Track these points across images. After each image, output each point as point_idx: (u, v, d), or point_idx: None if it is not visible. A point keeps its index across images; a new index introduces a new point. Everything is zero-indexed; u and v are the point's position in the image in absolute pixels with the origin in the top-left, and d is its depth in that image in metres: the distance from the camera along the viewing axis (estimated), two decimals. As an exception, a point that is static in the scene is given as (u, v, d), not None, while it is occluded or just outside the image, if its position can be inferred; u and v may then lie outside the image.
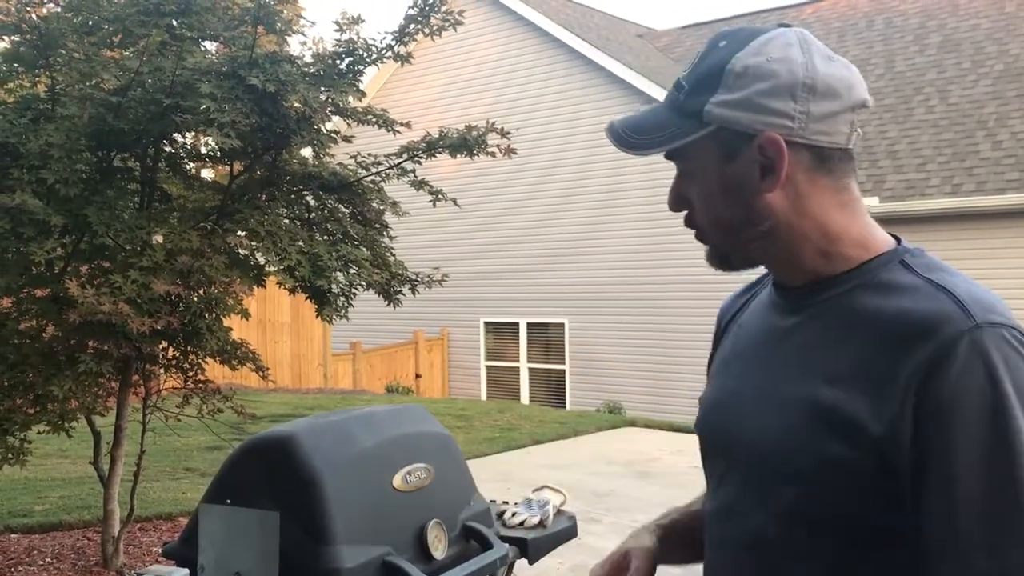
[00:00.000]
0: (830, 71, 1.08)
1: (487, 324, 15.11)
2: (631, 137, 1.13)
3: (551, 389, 14.40)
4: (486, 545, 2.00)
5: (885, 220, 11.13)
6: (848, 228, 1.10)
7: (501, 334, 15.03)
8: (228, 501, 1.74)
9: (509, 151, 4.31)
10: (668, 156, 1.14)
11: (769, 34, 1.09)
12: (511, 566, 2.36)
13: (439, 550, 1.88)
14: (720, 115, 1.07)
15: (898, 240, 1.13)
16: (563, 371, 14.18)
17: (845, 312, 1.07)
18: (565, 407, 13.56)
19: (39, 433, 4.40)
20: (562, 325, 14.15)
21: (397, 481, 1.87)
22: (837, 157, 1.09)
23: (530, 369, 14.66)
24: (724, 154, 1.09)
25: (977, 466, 0.93)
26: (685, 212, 1.15)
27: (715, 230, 1.13)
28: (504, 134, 4.36)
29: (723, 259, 1.16)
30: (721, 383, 1.24)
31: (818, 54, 1.08)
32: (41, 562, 4.71)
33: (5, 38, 4.16)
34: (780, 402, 1.08)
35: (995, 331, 0.96)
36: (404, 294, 4.71)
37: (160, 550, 4.97)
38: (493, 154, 4.37)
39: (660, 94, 12.65)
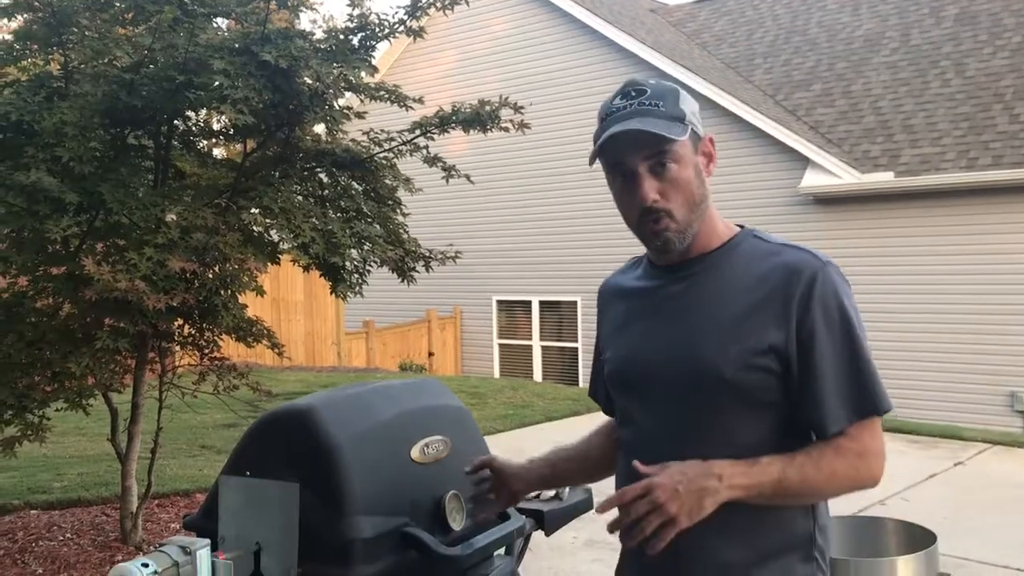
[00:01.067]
0: None
1: (499, 302, 15.12)
2: (654, 131, 1.52)
3: (564, 367, 14.42)
4: (503, 516, 2.01)
5: (900, 195, 11.08)
6: (716, 213, 1.65)
7: (513, 312, 15.04)
8: (247, 473, 1.75)
9: (522, 126, 4.29)
10: (660, 152, 1.54)
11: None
12: (528, 538, 2.37)
13: (457, 521, 1.88)
14: (692, 120, 1.58)
15: (741, 226, 1.67)
16: (575, 349, 14.19)
17: (729, 272, 1.59)
18: (578, 384, 13.57)
19: (57, 410, 4.44)
20: (575, 303, 14.15)
21: (415, 453, 1.88)
22: None
23: (543, 347, 14.67)
24: (693, 148, 1.59)
25: (837, 341, 1.53)
26: (654, 202, 1.55)
27: (685, 209, 1.57)
28: (517, 108, 4.34)
29: (682, 235, 1.58)
30: (627, 342, 1.69)
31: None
32: (61, 537, 4.77)
33: (18, 16, 4.15)
34: (701, 338, 1.56)
35: (832, 267, 1.56)
36: (418, 271, 4.71)
37: (178, 526, 5.03)
38: (507, 129, 4.35)
39: (672, 68, 12.57)
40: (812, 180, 11.61)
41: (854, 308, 1.56)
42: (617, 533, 1.50)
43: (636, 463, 1.47)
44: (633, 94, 1.58)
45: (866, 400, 1.54)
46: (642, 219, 1.57)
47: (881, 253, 11.09)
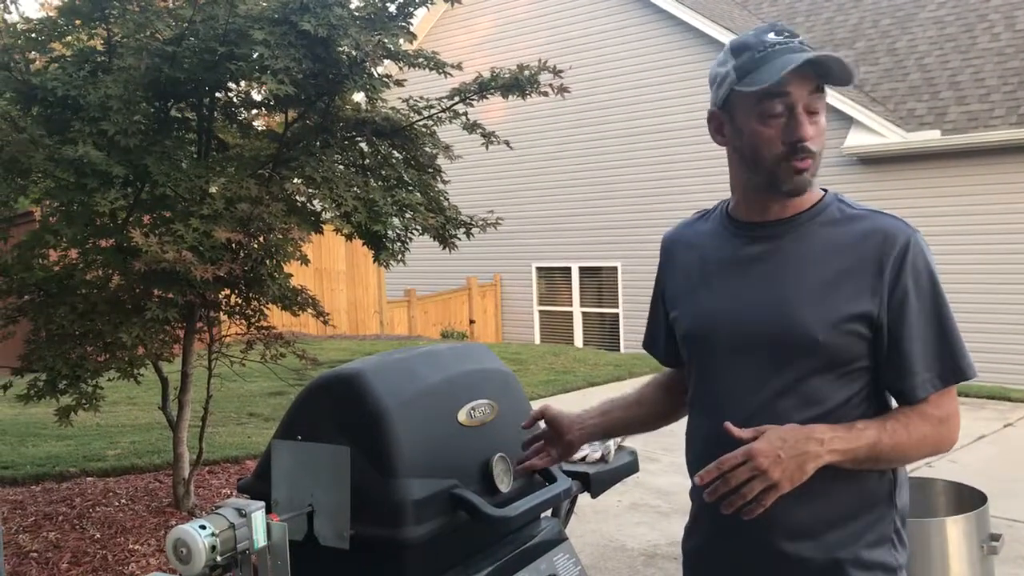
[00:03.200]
0: None
1: (539, 269, 15.12)
2: (853, 73, 1.54)
3: (605, 332, 14.41)
4: (550, 479, 2.02)
5: (946, 154, 10.85)
6: None
7: (553, 279, 15.03)
8: (299, 437, 1.78)
9: (562, 90, 4.26)
10: (820, 97, 1.56)
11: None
12: (574, 500, 2.39)
13: (504, 483, 1.91)
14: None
15: (824, 190, 1.65)
16: (616, 314, 14.17)
17: (816, 236, 1.59)
18: (619, 350, 13.56)
19: (109, 380, 4.54)
20: (615, 268, 14.10)
21: (462, 416, 1.90)
22: None
23: (583, 313, 14.67)
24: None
25: (927, 309, 1.55)
26: (810, 143, 1.54)
27: (820, 156, 1.58)
28: (557, 72, 4.30)
29: (812, 180, 1.58)
30: (708, 300, 1.68)
31: None
32: (117, 503, 4.90)
33: (61, -8, 4.19)
34: (792, 300, 1.56)
35: (919, 235, 1.58)
36: (459, 238, 4.72)
37: (228, 492, 5.14)
38: (546, 93, 4.33)
39: (713, 29, 12.39)
40: (856, 140, 11.41)
41: (939, 276, 1.58)
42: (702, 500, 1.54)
43: (730, 426, 1.46)
44: (787, 34, 1.57)
45: (954, 368, 1.55)
46: (790, 154, 1.54)
47: (928, 213, 10.89)
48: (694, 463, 1.66)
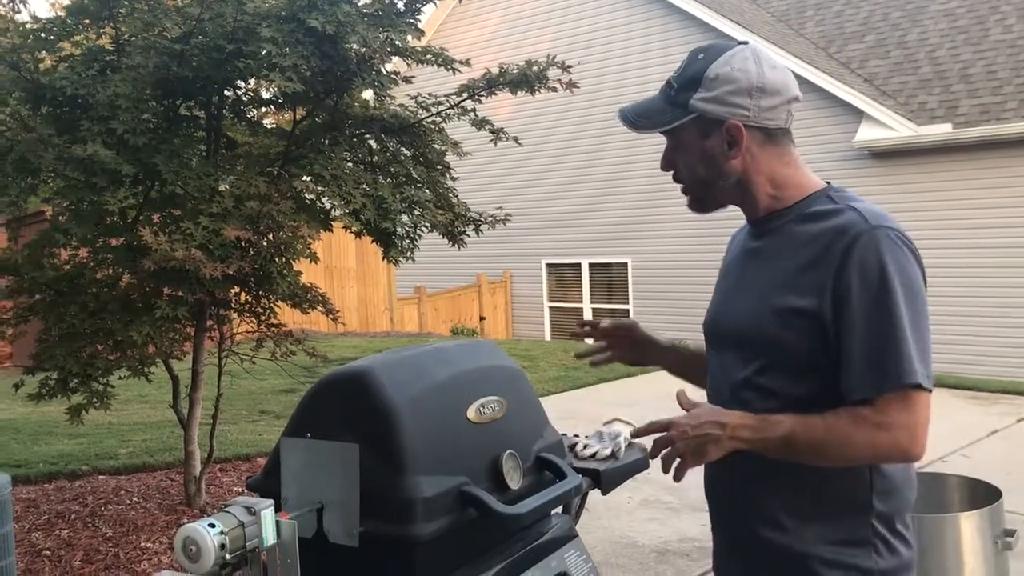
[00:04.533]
0: (774, 76, 1.64)
1: (549, 266, 15.10)
2: (638, 121, 1.69)
3: (615, 329, 14.36)
4: (560, 475, 2.01)
5: (958, 147, 10.78)
6: (789, 177, 1.66)
7: (563, 275, 15.01)
8: (308, 434, 1.78)
9: (571, 85, 4.25)
10: (663, 133, 1.68)
11: (733, 50, 1.63)
12: (584, 497, 2.38)
13: (514, 480, 1.89)
14: (700, 107, 1.62)
15: (828, 183, 1.68)
16: (627, 311, 14.14)
17: (792, 233, 1.62)
18: (630, 346, 13.53)
19: (120, 378, 4.55)
20: (625, 265, 14.08)
21: (471, 413, 1.89)
22: (780, 133, 1.66)
23: (593, 309, 14.64)
24: (701, 134, 1.64)
25: (872, 306, 1.49)
26: (672, 172, 1.71)
27: (695, 185, 1.70)
28: (565, 68, 4.29)
29: (699, 203, 1.73)
30: (715, 296, 1.81)
31: (767, 64, 1.64)
32: (129, 501, 4.91)
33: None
34: (757, 296, 1.63)
35: (883, 231, 1.52)
36: (468, 235, 4.72)
37: (240, 489, 5.14)
38: (555, 89, 4.31)
39: (722, 23, 12.34)
40: (867, 134, 11.35)
41: (901, 274, 1.50)
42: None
43: (678, 393, 1.59)
44: (675, 70, 1.70)
45: (893, 373, 1.47)
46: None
47: (939, 207, 10.83)
48: None
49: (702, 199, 1.70)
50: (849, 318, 1.50)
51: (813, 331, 1.53)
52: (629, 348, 2.13)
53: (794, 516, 1.59)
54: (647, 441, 1.64)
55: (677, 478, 1.57)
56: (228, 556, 1.50)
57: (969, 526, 2.61)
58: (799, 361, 1.56)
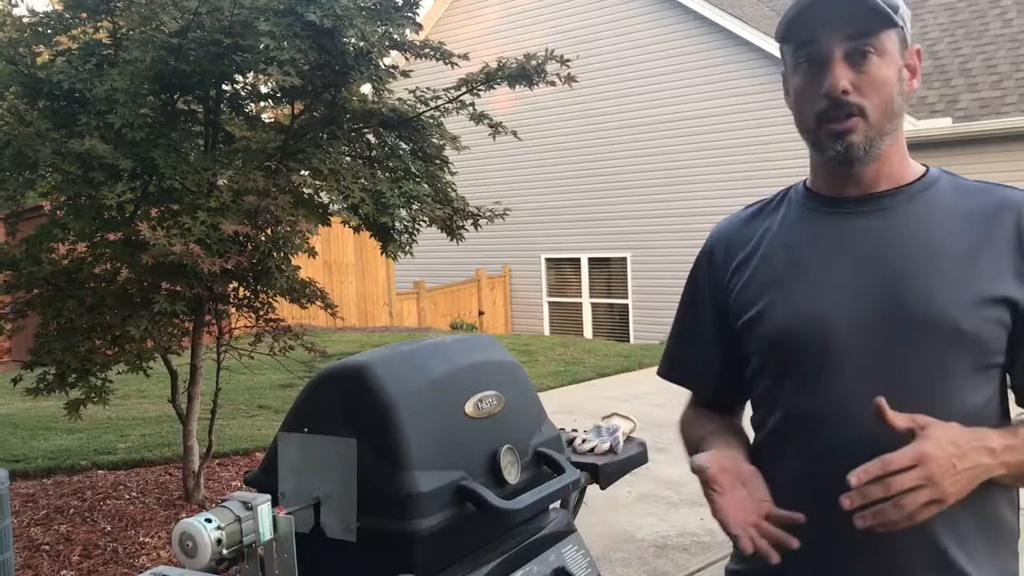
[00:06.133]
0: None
1: (548, 260, 15.10)
2: (881, 6, 1.27)
3: (614, 323, 14.38)
4: (558, 470, 2.01)
5: (958, 141, 10.77)
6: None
7: (562, 270, 15.01)
8: (305, 429, 1.77)
9: (569, 79, 4.24)
10: (864, 36, 1.28)
11: None
12: (583, 491, 2.37)
13: (512, 475, 1.89)
14: (905, 19, 1.31)
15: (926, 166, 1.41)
16: (626, 305, 14.14)
17: (934, 208, 1.33)
18: (629, 341, 13.55)
19: (119, 373, 4.54)
20: (624, 259, 14.07)
21: (469, 408, 1.88)
22: None
23: (592, 304, 14.64)
24: (901, 49, 1.32)
25: None
26: (846, 94, 1.28)
27: (880, 113, 1.30)
28: (564, 62, 4.28)
29: (868, 146, 1.30)
30: (805, 291, 1.35)
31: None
32: (127, 496, 4.91)
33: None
34: (923, 282, 1.28)
35: None
36: (467, 229, 4.71)
37: (239, 484, 5.14)
38: (553, 83, 4.31)
39: (723, 19, 12.31)
40: (866, 128, 11.34)
41: None
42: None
43: (882, 402, 1.16)
44: None
45: None
46: (825, 115, 1.30)
47: (938, 202, 10.83)
48: (788, 490, 1.29)
49: (875, 137, 1.31)
50: None
51: (1007, 324, 1.27)
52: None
53: (969, 554, 1.29)
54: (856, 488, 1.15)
55: (895, 527, 1.14)
56: (225, 551, 1.50)
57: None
58: (987, 360, 1.29)
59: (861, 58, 1.28)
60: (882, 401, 1.17)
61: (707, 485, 1.28)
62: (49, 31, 4.25)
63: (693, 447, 1.49)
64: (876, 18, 1.27)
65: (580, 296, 14.79)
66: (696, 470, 1.31)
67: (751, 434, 1.49)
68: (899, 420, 1.16)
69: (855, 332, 1.30)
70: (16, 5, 4.29)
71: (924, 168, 1.39)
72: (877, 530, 1.14)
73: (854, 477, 1.13)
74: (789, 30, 1.32)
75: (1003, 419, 1.32)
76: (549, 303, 15.22)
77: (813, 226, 1.39)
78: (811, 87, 1.31)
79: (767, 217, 1.47)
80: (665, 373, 1.64)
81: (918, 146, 11.08)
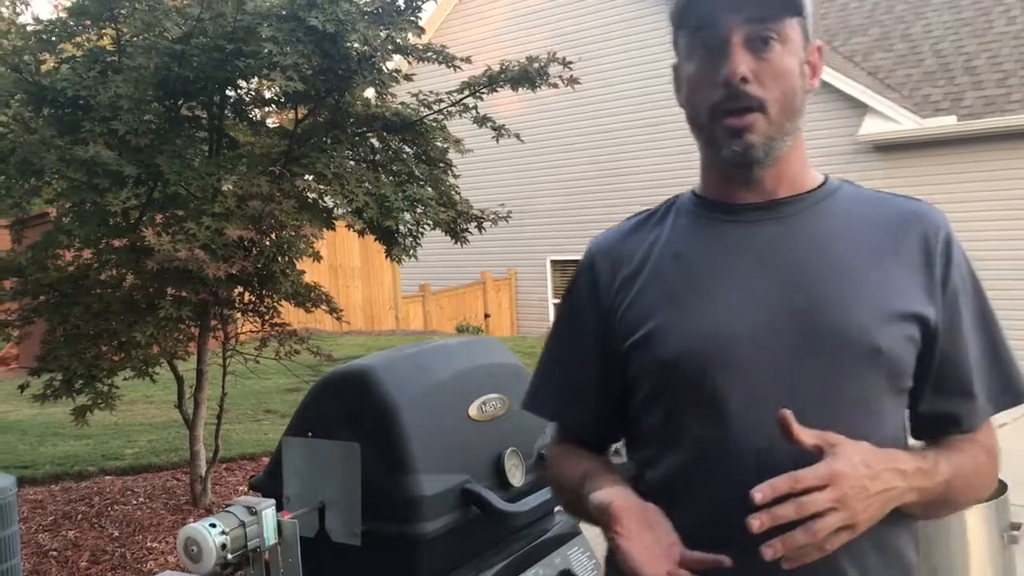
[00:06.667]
0: None
1: (554, 263, 15.09)
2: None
3: (620, 325, 14.36)
4: (563, 473, 2.01)
5: (963, 140, 10.74)
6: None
7: (568, 272, 15.00)
8: (310, 434, 1.78)
9: (572, 81, 4.24)
10: (767, 20, 1.15)
11: None
12: (588, 494, 2.37)
13: (516, 477, 1.89)
14: (808, 9, 1.19)
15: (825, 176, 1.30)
16: (632, 306, 14.12)
17: (838, 217, 1.22)
18: (635, 342, 13.52)
19: (125, 379, 4.55)
20: (630, 260, 14.06)
21: (473, 411, 1.89)
22: None
23: (599, 305, 14.62)
24: (803, 41, 1.20)
25: (978, 315, 1.23)
26: (745, 84, 1.14)
27: (781, 109, 1.17)
28: (566, 64, 4.28)
29: (767, 146, 1.17)
30: (701, 307, 1.20)
31: None
32: (135, 501, 4.92)
33: (70, -8, 4.20)
34: (833, 296, 1.16)
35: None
36: (471, 232, 4.71)
37: (246, 488, 5.15)
38: (555, 85, 4.31)
39: (724, 19, 12.29)
40: (871, 127, 11.31)
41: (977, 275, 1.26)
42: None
43: (787, 415, 1.05)
44: None
45: (1011, 389, 1.24)
46: (720, 107, 1.16)
47: (945, 200, 10.77)
48: (692, 536, 1.12)
49: (775, 136, 1.18)
50: (965, 329, 1.21)
51: (917, 343, 1.17)
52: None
53: None
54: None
55: (806, 560, 1.03)
56: (230, 556, 1.50)
57: (975, 519, 2.59)
58: (900, 379, 1.18)
59: (763, 44, 1.15)
60: (787, 413, 1.05)
61: (610, 528, 1.13)
62: (54, 38, 4.27)
63: (572, 487, 1.29)
64: (780, 2, 1.15)
65: (586, 298, 14.78)
66: (598, 509, 1.16)
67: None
68: (806, 436, 1.05)
69: (761, 351, 1.15)
70: (20, 13, 4.31)
71: (823, 176, 1.28)
72: (786, 565, 1.02)
73: (759, 493, 1.00)
74: (684, 13, 1.19)
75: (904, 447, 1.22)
76: (555, 305, 15.21)
77: (706, 234, 1.25)
78: (706, 75, 1.17)
79: (653, 228, 1.31)
80: (528, 404, 1.41)
81: (923, 145, 11.06)
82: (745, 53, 1.14)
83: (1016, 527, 2.65)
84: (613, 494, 1.17)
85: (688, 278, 1.23)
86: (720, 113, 1.16)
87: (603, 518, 1.16)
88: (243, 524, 1.52)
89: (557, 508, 2.11)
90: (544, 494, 1.91)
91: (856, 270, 1.17)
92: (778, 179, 1.22)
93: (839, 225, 1.21)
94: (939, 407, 1.22)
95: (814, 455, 1.05)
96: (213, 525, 1.49)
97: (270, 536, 1.56)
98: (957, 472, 1.17)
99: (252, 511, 1.54)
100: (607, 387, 1.30)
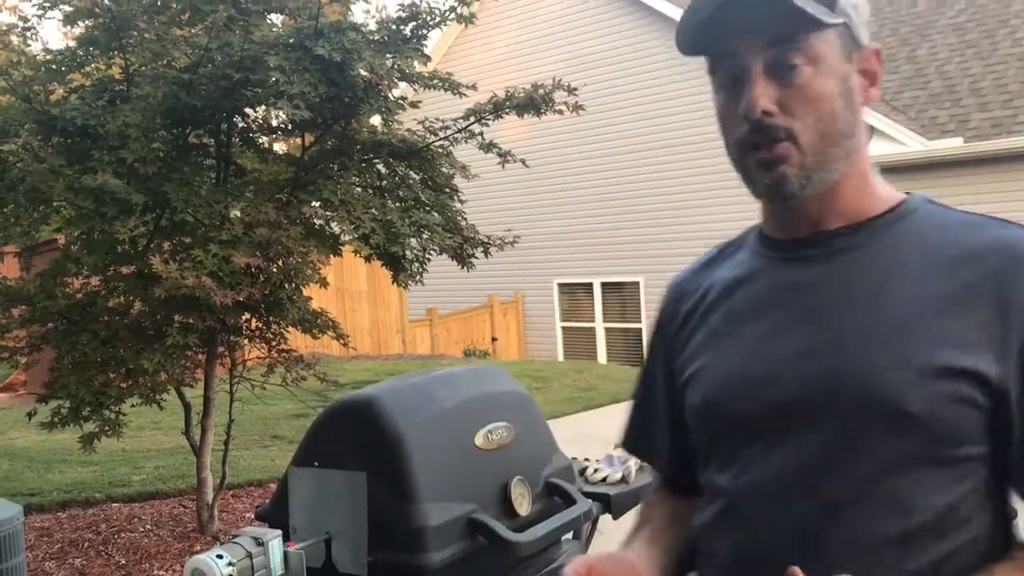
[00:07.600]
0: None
1: (561, 285, 15.10)
2: (799, 5, 0.99)
3: (629, 348, 14.34)
4: (570, 501, 2.01)
5: (970, 161, 10.74)
6: (870, 170, 1.10)
7: (575, 295, 15.00)
8: (316, 463, 1.78)
9: (576, 107, 4.26)
10: (788, 42, 1.01)
11: None
12: (595, 522, 2.36)
13: (523, 506, 1.89)
14: (849, 12, 1.06)
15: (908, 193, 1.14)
16: (639, 329, 14.10)
17: (903, 249, 1.05)
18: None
19: (132, 406, 4.56)
20: (637, 283, 14.05)
21: (479, 440, 1.88)
22: None
23: (606, 329, 14.61)
24: (845, 54, 1.06)
25: None
26: (767, 115, 1.02)
27: (818, 136, 1.03)
28: (571, 90, 4.30)
29: (805, 176, 1.03)
30: (731, 351, 1.11)
31: None
32: (142, 529, 4.91)
33: (80, 23, 4.24)
34: (861, 349, 1.00)
35: None
36: (477, 257, 4.72)
37: (253, 516, 5.13)
38: (561, 111, 4.33)
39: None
40: (877, 149, 11.32)
41: None
42: None
43: (796, 572, 0.90)
44: None
45: None
46: (747, 142, 1.04)
47: (951, 221, 10.78)
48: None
49: (815, 166, 1.03)
50: None
51: (979, 404, 0.97)
52: None
53: None
54: None
55: None
56: (235, 588, 1.50)
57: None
58: (951, 449, 0.98)
59: (788, 70, 1.02)
60: (795, 571, 0.90)
61: None
62: (63, 68, 4.31)
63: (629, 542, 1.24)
64: (799, 19, 0.99)
65: (593, 321, 14.77)
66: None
67: None
68: None
69: (778, 407, 1.04)
70: (31, 43, 4.36)
71: (900, 197, 1.12)
72: None
73: None
74: (701, 40, 1.07)
75: (994, 531, 1.01)
76: (563, 328, 15.20)
77: (755, 270, 1.15)
78: (730, 109, 1.06)
79: (723, 262, 1.23)
80: (624, 444, 1.38)
81: (930, 167, 11.06)
82: (768, 82, 1.02)
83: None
84: (589, 561, 1.10)
85: (729, 318, 1.14)
86: (747, 146, 1.05)
87: None
88: (250, 555, 1.52)
89: (565, 536, 2.10)
90: (551, 523, 1.90)
91: (897, 314, 1.00)
92: (828, 209, 1.08)
93: (902, 259, 1.04)
94: (1005, 478, 1.01)
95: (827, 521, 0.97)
96: (220, 556, 1.49)
97: (277, 567, 1.55)
98: None
99: (259, 542, 1.53)
100: (674, 427, 1.23)
